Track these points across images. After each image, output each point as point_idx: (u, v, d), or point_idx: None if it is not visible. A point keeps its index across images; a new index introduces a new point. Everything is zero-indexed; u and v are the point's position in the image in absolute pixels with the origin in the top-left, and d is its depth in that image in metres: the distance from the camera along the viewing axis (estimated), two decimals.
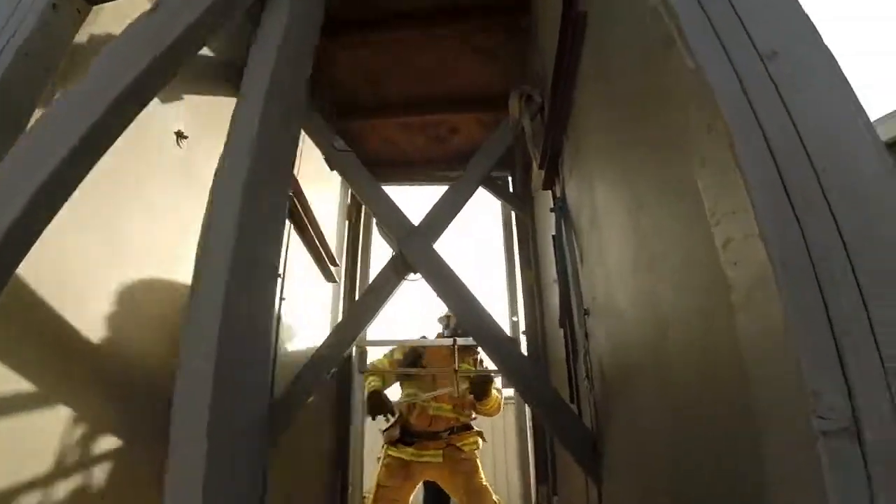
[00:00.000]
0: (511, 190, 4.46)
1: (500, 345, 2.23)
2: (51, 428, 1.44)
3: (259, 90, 1.10)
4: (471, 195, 2.76)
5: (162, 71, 1.15)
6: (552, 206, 2.52)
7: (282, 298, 3.00)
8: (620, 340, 1.45)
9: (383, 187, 4.56)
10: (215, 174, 1.01)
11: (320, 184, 3.76)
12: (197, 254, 0.92)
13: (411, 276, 2.57)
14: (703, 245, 0.80)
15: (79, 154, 1.02)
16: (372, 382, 3.73)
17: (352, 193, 4.42)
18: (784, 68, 0.74)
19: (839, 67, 0.76)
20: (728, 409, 0.73)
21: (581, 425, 2.00)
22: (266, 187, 1.02)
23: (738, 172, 0.63)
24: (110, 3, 1.53)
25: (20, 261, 0.98)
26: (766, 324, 0.58)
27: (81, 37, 1.50)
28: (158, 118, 2.04)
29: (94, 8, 1.52)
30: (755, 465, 0.64)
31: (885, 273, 0.55)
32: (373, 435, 4.11)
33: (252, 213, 0.94)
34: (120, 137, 1.12)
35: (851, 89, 0.73)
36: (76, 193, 1.05)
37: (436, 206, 2.67)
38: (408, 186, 4.68)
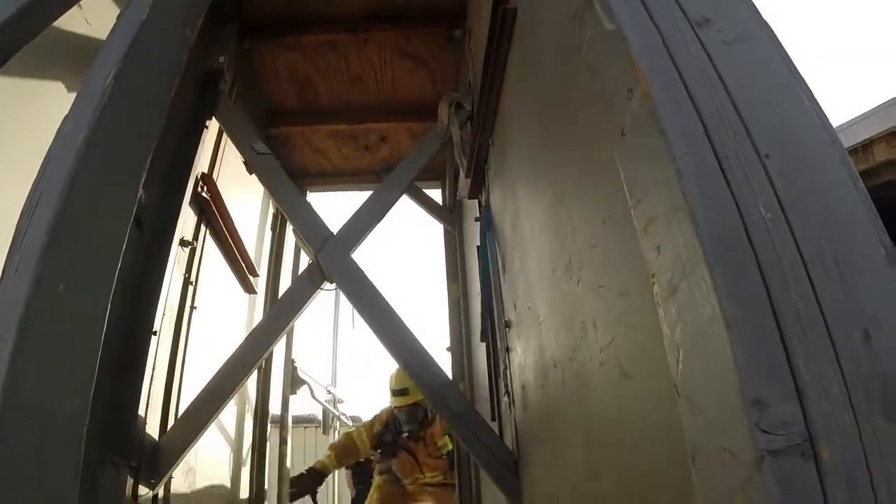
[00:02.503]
0: (441, 203, 4.36)
1: (418, 359, 2.07)
2: None
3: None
4: (393, 203, 2.61)
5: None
6: (477, 215, 2.41)
7: (193, 307, 2.78)
8: (538, 352, 1.33)
9: (310, 194, 4.45)
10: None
11: (242, 190, 3.52)
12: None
13: (327, 285, 2.38)
14: (622, 236, 0.69)
15: None
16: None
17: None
18: (716, 35, 0.65)
19: (777, 37, 0.68)
20: (653, 431, 0.62)
21: (502, 446, 1.86)
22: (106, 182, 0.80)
23: (661, 136, 0.52)
24: None
25: None
26: (695, 318, 0.46)
27: None
28: None
29: None
30: (683, 497, 0.52)
31: (837, 251, 0.44)
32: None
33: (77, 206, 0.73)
34: None
35: (790, 58, 0.65)
36: None
37: (356, 213, 2.51)
38: (332, 193, 4.53)
